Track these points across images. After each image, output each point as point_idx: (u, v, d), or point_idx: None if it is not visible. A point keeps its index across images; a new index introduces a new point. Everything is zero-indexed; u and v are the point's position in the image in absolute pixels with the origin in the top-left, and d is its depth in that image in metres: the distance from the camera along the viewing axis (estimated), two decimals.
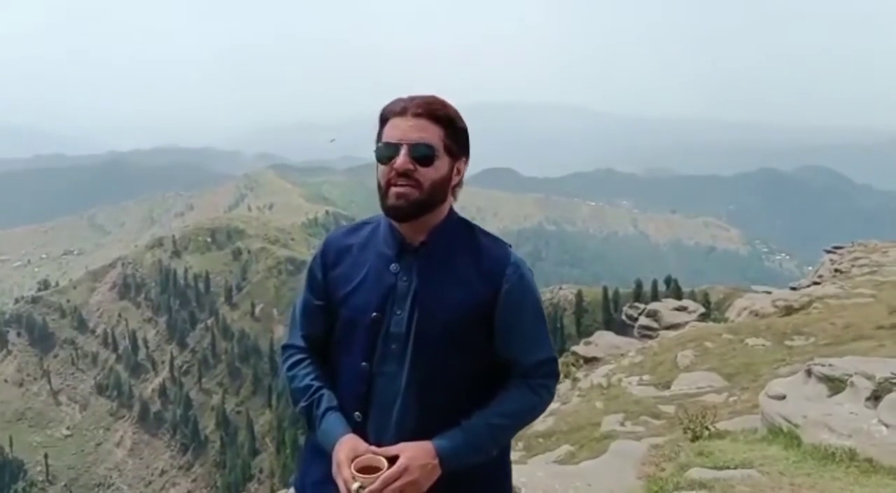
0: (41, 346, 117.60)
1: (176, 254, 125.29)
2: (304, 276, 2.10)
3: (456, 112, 1.91)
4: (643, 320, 26.62)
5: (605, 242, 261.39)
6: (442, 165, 1.86)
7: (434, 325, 1.87)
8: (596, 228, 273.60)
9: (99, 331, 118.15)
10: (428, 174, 1.83)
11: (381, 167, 1.86)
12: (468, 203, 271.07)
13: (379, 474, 1.72)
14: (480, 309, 1.89)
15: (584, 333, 51.64)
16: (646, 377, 12.44)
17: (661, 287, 69.30)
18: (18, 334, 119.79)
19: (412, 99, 1.87)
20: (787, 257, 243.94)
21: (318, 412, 1.91)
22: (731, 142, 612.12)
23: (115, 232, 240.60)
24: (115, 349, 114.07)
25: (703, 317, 24.65)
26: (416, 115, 1.84)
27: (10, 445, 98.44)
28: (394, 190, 1.83)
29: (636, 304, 33.94)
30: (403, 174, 1.82)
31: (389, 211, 1.87)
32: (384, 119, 1.89)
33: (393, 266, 1.92)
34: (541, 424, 11.18)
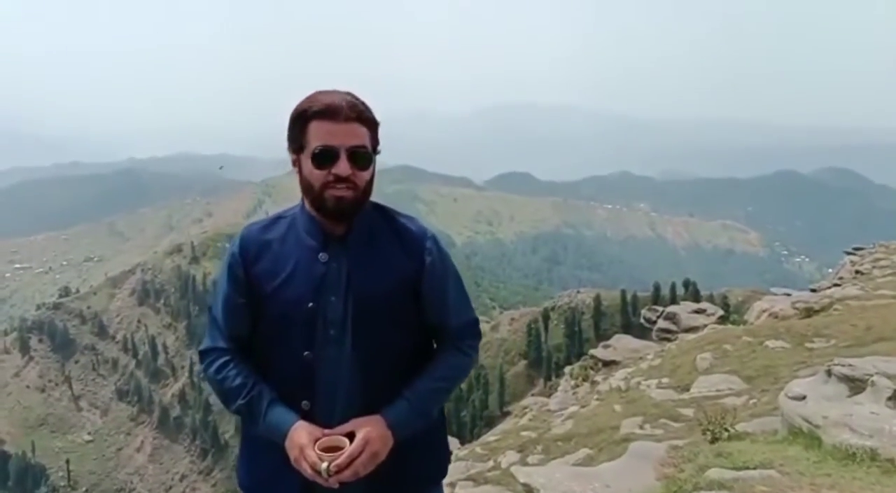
0: (62, 352, 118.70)
1: (195, 260, 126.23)
2: (221, 276, 2.09)
3: (371, 109, 1.96)
4: (661, 323, 26.45)
5: (622, 246, 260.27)
6: (372, 166, 1.95)
7: (369, 306, 1.94)
8: (613, 232, 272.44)
9: (119, 337, 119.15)
10: (363, 177, 1.92)
11: (316, 171, 1.89)
12: (484, 207, 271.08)
13: (343, 450, 1.80)
14: (409, 284, 2.01)
15: (602, 336, 51.42)
16: (664, 380, 12.39)
17: (680, 290, 69.09)
18: (40, 341, 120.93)
19: (339, 99, 1.91)
20: (807, 260, 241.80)
21: (261, 407, 1.93)
22: (748, 144, 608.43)
23: (134, 239, 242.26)
24: (135, 355, 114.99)
25: (722, 320, 24.47)
26: (349, 119, 1.88)
27: (33, 450, 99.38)
28: (332, 192, 1.89)
29: (654, 307, 33.75)
30: (343, 179, 1.88)
31: (330, 213, 1.93)
32: (307, 119, 1.90)
33: (321, 256, 1.97)
34: (559, 427, 11.17)
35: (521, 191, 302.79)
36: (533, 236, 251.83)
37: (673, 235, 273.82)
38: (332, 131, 1.88)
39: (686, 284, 71.36)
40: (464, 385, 69.59)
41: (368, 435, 1.84)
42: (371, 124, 1.95)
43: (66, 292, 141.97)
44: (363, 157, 1.91)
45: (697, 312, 26.74)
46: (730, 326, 20.33)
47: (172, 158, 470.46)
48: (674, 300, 56.11)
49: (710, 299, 51.33)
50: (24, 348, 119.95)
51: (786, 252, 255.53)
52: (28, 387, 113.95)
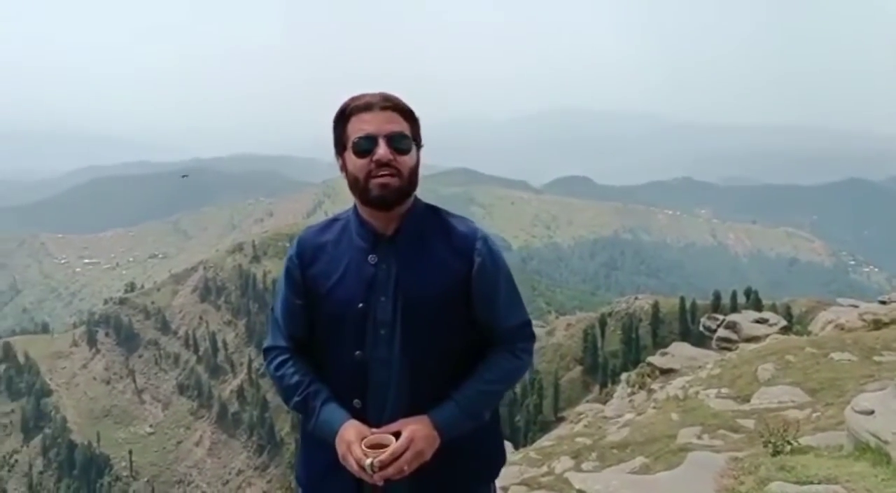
0: (127, 346, 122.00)
1: (255, 259, 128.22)
2: (281, 278, 2.16)
3: (410, 106, 2.01)
4: (721, 332, 25.94)
5: (682, 252, 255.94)
6: (414, 153, 1.99)
7: (417, 307, 1.97)
8: (673, 238, 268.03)
9: (181, 332, 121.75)
10: (406, 162, 1.95)
11: (358, 161, 1.94)
12: (542, 211, 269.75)
13: (388, 448, 1.84)
14: (458, 286, 2.00)
15: (660, 344, 50.73)
16: (724, 390, 12.14)
17: (741, 299, 67.60)
18: (106, 334, 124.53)
19: (372, 95, 1.98)
20: (876, 270, 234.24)
21: (315, 404, 2.00)
22: (814, 150, 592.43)
23: (197, 237, 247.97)
24: (196, 351, 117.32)
25: (785, 330, 23.87)
26: (384, 108, 1.95)
27: (98, 440, 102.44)
28: (376, 181, 1.93)
29: (714, 315, 33.13)
30: (385, 164, 1.91)
31: (374, 201, 1.96)
32: (347, 117, 1.98)
33: (371, 257, 2.01)
34: (615, 434, 11.05)
35: (580, 195, 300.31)
36: (591, 241, 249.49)
37: (734, 242, 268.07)
38: (369, 120, 1.94)
39: (747, 292, 69.82)
40: (518, 390, 69.43)
41: (414, 434, 1.88)
42: (408, 115, 2.00)
43: (131, 287, 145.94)
44: (402, 140, 1.94)
45: (759, 321, 26.17)
46: (793, 336, 19.84)
47: (236, 159, 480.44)
48: (734, 309, 54.90)
49: (773, 309, 50.09)
50: (92, 341, 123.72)
51: (853, 262, 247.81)
52: (94, 379, 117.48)
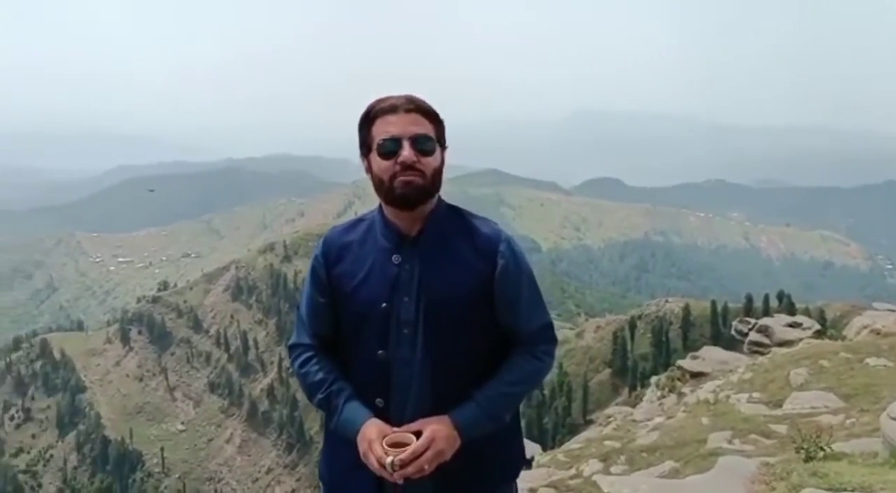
0: (159, 343, 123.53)
1: (286, 259, 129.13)
2: (307, 276, 2.21)
3: (434, 108, 2.06)
4: (753, 336, 25.56)
5: (713, 255, 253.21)
6: (437, 154, 2.01)
7: (440, 307, 2.00)
8: (704, 241, 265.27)
9: (212, 331, 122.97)
10: (429, 164, 1.98)
11: (383, 163, 1.97)
12: (572, 212, 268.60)
13: (408, 447, 1.86)
14: (481, 287, 2.02)
15: (690, 347, 50.19)
16: (755, 395, 11.99)
17: (773, 302, 66.86)
18: (139, 332, 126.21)
19: (397, 97, 2.01)
20: None
21: (338, 402, 2.03)
22: (850, 152, 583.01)
23: (229, 236, 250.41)
24: (227, 349, 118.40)
25: (819, 334, 23.48)
26: (409, 110, 1.98)
27: (130, 437, 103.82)
28: (400, 180, 1.96)
29: (746, 319, 32.68)
30: (409, 166, 1.95)
31: (398, 200, 1.99)
32: (372, 119, 2.01)
33: (395, 257, 2.04)
34: (644, 438, 10.97)
35: (610, 197, 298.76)
36: (621, 243, 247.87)
37: (767, 244, 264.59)
38: (394, 123, 1.97)
39: (780, 296, 69.04)
40: (547, 391, 69.22)
41: (434, 434, 1.90)
42: (432, 117, 2.02)
43: (164, 286, 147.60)
44: (426, 142, 1.97)
45: (792, 325, 25.77)
46: (827, 341, 19.53)
47: (268, 159, 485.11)
48: (767, 312, 54.22)
49: (806, 313, 49.37)
50: (125, 339, 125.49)
51: (889, 266, 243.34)
52: (127, 376, 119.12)
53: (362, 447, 1.93)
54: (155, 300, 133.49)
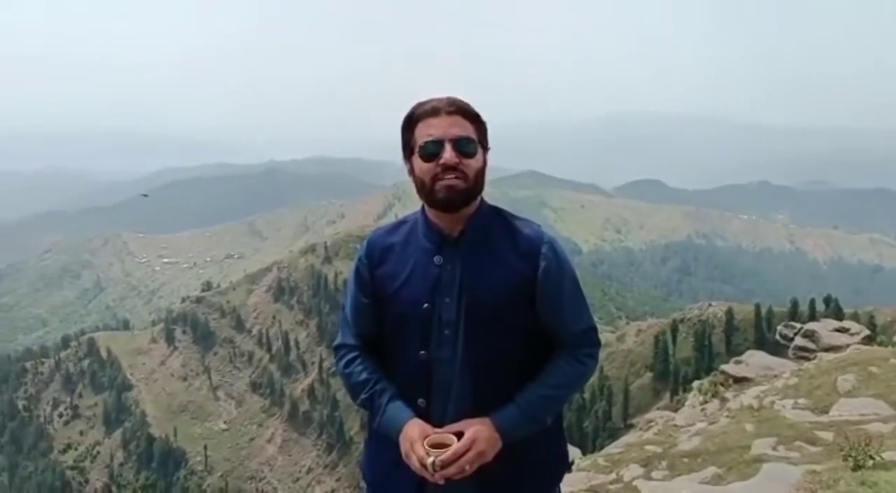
0: (203, 343, 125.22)
1: (327, 260, 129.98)
2: (350, 277, 2.24)
3: (476, 109, 2.07)
4: (799, 341, 25.09)
5: (758, 258, 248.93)
6: (479, 156, 2.03)
7: (481, 308, 2.00)
8: (748, 243, 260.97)
9: (255, 331, 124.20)
10: (471, 165, 1.99)
11: (424, 165, 1.99)
12: (613, 214, 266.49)
13: (450, 447, 1.88)
14: (523, 288, 2.03)
15: (733, 352, 49.44)
16: (801, 401, 11.78)
17: (820, 307, 65.53)
18: (184, 332, 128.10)
19: (438, 99, 2.03)
20: None
21: (381, 402, 2.05)
22: None
23: (272, 238, 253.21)
24: (269, 349, 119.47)
25: (868, 340, 22.93)
26: (450, 112, 2.00)
27: (175, 435, 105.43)
28: (442, 183, 1.98)
29: (791, 323, 32.09)
30: (451, 168, 1.96)
31: (441, 203, 2.01)
32: (414, 122, 2.04)
33: (436, 258, 2.05)
34: (686, 443, 10.84)
35: (652, 198, 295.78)
36: (663, 246, 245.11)
37: (814, 247, 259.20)
38: (435, 125, 1.99)
39: (827, 300, 67.64)
40: (587, 395, 68.73)
41: (476, 435, 1.91)
42: (474, 119, 2.04)
43: (208, 286, 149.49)
44: (468, 144, 1.99)
45: (840, 330, 25.22)
46: (876, 347, 19.10)
47: (310, 161, 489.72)
48: (813, 317, 53.13)
49: (855, 318, 48.38)
50: (170, 339, 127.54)
51: None
52: (172, 375, 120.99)
53: (404, 446, 1.94)
54: (199, 301, 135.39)
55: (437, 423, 1.98)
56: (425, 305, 2.03)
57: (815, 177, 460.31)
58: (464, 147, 1.98)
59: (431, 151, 1.98)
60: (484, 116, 2.07)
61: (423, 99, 2.07)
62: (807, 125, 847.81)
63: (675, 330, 75.70)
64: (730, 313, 73.53)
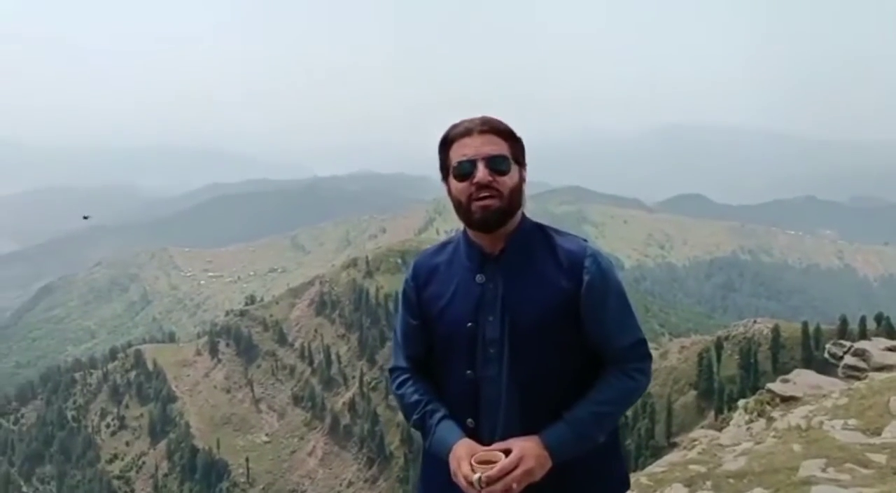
0: (246, 356, 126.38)
1: (369, 274, 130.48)
2: (400, 300, 2.26)
3: (511, 127, 2.08)
4: (849, 360, 24.49)
5: (805, 275, 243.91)
6: (514, 173, 2.03)
7: (525, 325, 2.00)
8: (795, 259, 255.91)
9: (297, 345, 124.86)
10: (505, 183, 2.00)
11: (459, 185, 2.02)
12: (656, 230, 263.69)
13: (496, 463, 1.86)
14: (566, 304, 2.01)
15: (780, 370, 48.43)
16: (851, 422, 11.49)
17: (871, 325, 63.95)
18: (227, 345, 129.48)
19: (472, 120, 2.05)
20: None
21: (432, 422, 2.06)
22: None
23: (314, 252, 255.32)
24: (311, 363, 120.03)
25: None
26: (482, 132, 2.02)
27: (218, 447, 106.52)
28: (477, 204, 1.99)
29: (841, 341, 31.36)
30: (485, 187, 1.97)
31: (477, 223, 2.02)
32: (448, 143, 2.07)
33: (478, 277, 2.06)
34: (732, 463, 10.66)
35: (695, 214, 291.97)
36: (707, 261, 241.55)
37: (863, 264, 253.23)
38: (468, 145, 2.01)
39: (878, 318, 66.03)
40: (630, 413, 67.71)
41: (523, 452, 1.89)
42: (507, 136, 2.05)
43: (251, 300, 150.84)
44: (501, 161, 1.99)
45: (892, 349, 24.60)
46: None
47: (352, 177, 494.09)
48: (863, 335, 51.82)
49: None
50: (214, 351, 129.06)
51: None
52: (216, 387, 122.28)
53: (453, 465, 1.94)
54: (242, 314, 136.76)
55: (487, 442, 1.97)
56: (469, 324, 2.03)
57: (865, 192, 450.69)
58: (497, 165, 1.98)
59: (465, 171, 1.99)
60: (524, 131, 2.06)
61: (456, 121, 2.08)
62: (855, 140, 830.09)
63: (719, 347, 74.51)
64: (776, 330, 72.12)
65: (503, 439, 1.96)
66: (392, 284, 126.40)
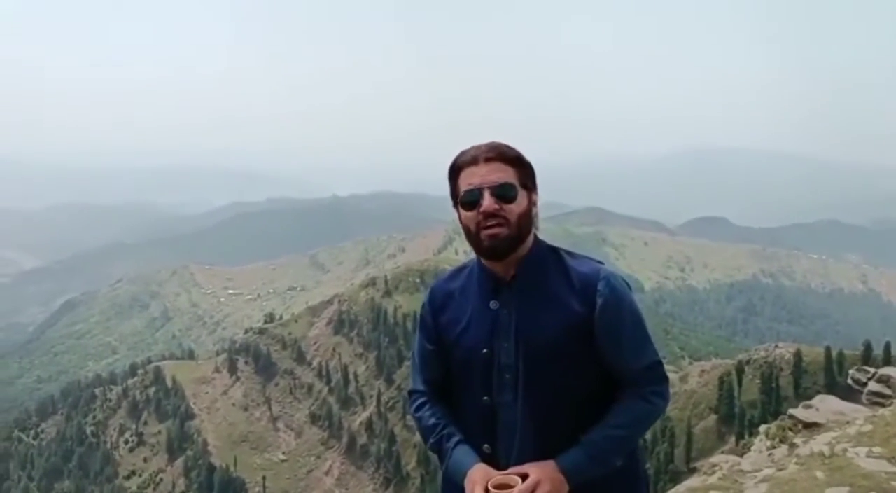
0: (264, 374, 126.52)
1: (387, 293, 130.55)
2: (418, 325, 2.30)
3: (520, 151, 2.07)
4: (873, 386, 24.19)
5: (828, 299, 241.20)
6: (522, 199, 2.02)
7: (537, 350, 2.01)
8: (818, 284, 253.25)
9: (315, 363, 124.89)
10: (513, 210, 1.99)
11: (467, 213, 2.03)
12: (676, 252, 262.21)
13: (513, 489, 1.87)
14: (580, 327, 2.01)
15: (802, 396, 47.89)
16: (876, 449, 11.38)
17: (895, 351, 63.03)
18: (246, 362, 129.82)
19: (478, 147, 2.05)
20: None
21: (448, 447, 2.08)
22: None
23: (333, 270, 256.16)
24: (329, 382, 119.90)
25: None
26: (489, 159, 2.01)
27: (235, 464, 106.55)
28: (485, 232, 2.00)
29: (865, 367, 31.01)
30: (491, 215, 1.98)
31: (486, 252, 2.04)
32: (457, 171, 2.07)
33: (492, 303, 2.08)
34: (753, 489, 10.60)
35: (716, 237, 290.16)
36: (728, 284, 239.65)
37: (888, 289, 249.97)
38: (475, 173, 2.01)
39: None
40: (648, 436, 67.05)
41: (540, 476, 1.90)
42: (515, 162, 2.04)
43: (270, 318, 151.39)
44: (507, 190, 1.99)
45: None
46: None
47: (372, 196, 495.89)
48: (888, 361, 51.19)
49: None
50: (232, 369, 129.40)
51: None
52: (234, 405, 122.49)
53: (468, 490, 1.95)
54: (261, 332, 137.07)
55: (503, 467, 1.98)
56: (484, 350, 2.04)
57: (888, 215, 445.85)
58: (504, 193, 1.98)
59: (471, 200, 1.99)
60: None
61: (464, 148, 2.08)
62: (877, 162, 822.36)
63: (740, 371, 73.72)
64: (798, 355, 71.28)
65: (519, 463, 1.97)
66: (411, 303, 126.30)
